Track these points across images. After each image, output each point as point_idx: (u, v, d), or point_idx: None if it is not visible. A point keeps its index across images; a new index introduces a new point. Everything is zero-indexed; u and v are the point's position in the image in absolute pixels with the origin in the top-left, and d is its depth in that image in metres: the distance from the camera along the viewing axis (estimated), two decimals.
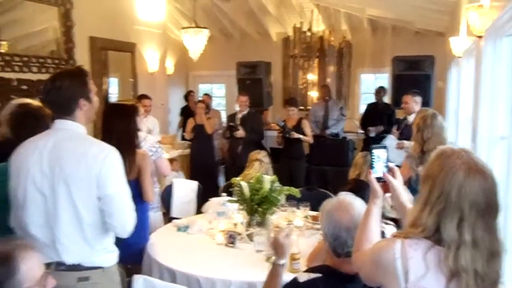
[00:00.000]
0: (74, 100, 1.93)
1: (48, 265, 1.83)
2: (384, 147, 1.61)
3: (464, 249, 1.20)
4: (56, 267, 1.86)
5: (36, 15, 4.83)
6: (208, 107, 6.33)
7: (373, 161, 1.58)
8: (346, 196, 1.89)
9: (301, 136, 5.54)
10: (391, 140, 4.96)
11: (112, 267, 2.00)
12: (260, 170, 3.68)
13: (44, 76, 4.81)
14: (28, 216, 1.90)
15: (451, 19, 6.03)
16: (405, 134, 4.85)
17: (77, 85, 1.94)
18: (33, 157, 1.88)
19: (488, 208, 1.21)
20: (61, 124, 1.94)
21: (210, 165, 6.20)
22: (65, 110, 1.93)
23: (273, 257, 2.04)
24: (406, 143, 4.64)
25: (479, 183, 1.21)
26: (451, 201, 1.21)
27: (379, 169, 1.58)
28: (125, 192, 1.94)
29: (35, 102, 2.53)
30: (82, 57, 5.34)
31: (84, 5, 5.31)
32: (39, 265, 1.47)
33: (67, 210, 1.85)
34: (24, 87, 4.59)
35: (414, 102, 4.71)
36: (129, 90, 6.26)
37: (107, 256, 1.99)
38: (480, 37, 3.16)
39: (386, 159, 1.59)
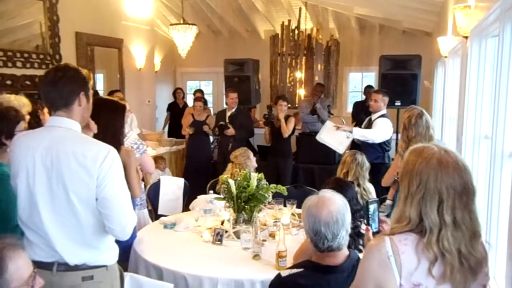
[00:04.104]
0: (75, 92, 1.84)
1: (51, 264, 1.82)
2: (376, 201, 1.68)
3: (446, 231, 1.25)
4: (59, 267, 1.82)
5: (20, 9, 4.75)
6: (206, 103, 6.35)
7: (369, 217, 1.63)
8: (326, 192, 1.90)
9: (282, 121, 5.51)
10: (330, 125, 4.92)
11: (114, 265, 1.98)
12: (233, 171, 3.69)
13: (29, 71, 4.75)
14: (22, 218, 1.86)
15: (438, 19, 6.09)
16: None
17: (80, 78, 1.87)
18: (26, 158, 1.81)
19: (465, 189, 1.27)
20: (54, 122, 1.85)
21: (206, 161, 6.19)
22: (64, 101, 1.83)
23: None
24: (345, 126, 4.77)
25: (453, 167, 1.28)
26: (429, 187, 1.27)
27: (374, 224, 1.64)
28: (124, 194, 1.88)
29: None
30: (68, 53, 5.27)
31: (70, 0, 5.24)
32: (28, 265, 1.46)
33: (67, 213, 1.79)
34: (9, 82, 4.52)
35: (382, 102, 4.67)
36: (116, 86, 6.20)
37: (110, 254, 1.95)
38: (466, 37, 3.19)
39: (377, 211, 1.66)
